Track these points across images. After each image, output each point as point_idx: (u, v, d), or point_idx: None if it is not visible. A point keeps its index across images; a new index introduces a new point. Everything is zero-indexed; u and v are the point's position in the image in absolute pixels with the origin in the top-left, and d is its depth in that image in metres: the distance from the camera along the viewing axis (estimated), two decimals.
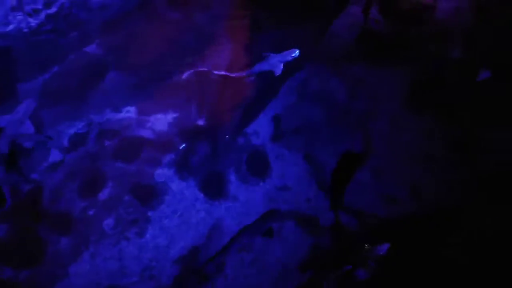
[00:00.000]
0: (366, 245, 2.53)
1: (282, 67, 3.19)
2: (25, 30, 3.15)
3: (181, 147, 3.21)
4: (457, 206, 2.75)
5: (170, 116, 3.45)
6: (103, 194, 3.07)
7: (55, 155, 3.19)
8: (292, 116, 3.40)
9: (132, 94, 3.63)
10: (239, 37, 3.85)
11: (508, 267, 2.42)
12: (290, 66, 3.41)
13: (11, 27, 3.08)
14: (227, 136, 3.28)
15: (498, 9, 3.71)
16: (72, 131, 3.33)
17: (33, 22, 3.17)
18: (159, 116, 3.46)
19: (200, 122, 3.37)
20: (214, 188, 2.99)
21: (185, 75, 3.38)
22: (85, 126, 3.36)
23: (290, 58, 3.26)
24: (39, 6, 3.16)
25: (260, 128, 3.37)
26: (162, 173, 3.10)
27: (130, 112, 3.53)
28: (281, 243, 2.82)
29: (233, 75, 3.26)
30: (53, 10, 3.25)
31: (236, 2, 4.65)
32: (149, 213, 2.94)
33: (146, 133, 3.36)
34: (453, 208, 2.74)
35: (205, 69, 3.32)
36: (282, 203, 3.01)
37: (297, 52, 3.27)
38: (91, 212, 3.00)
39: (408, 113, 3.25)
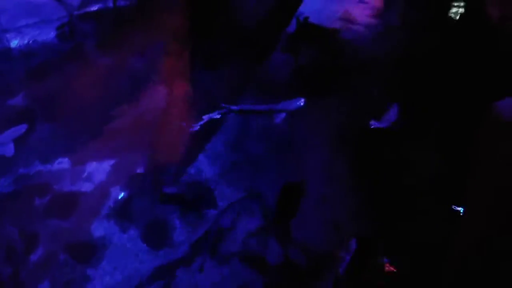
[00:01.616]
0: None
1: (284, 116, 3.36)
2: None
3: (120, 197, 3.08)
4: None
5: (107, 164, 3.32)
6: (35, 256, 2.82)
7: None
8: (233, 151, 3.42)
9: (65, 144, 3.46)
10: (175, 80, 3.88)
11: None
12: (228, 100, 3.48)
13: None
14: (168, 179, 3.21)
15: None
16: None
17: None
18: (95, 165, 3.31)
19: (139, 168, 3.28)
20: (158, 237, 2.88)
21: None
22: (11, 184, 3.12)
23: (294, 107, 3.37)
24: None
25: (203, 167, 3.34)
26: (100, 226, 2.93)
27: (63, 163, 3.34)
28: (229, 281, 2.74)
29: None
30: None
31: (170, 46, 4.72)
32: (88, 272, 2.73)
33: (81, 185, 3.19)
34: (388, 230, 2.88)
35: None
36: (230, 241, 2.96)
37: (302, 101, 3.42)
38: (22, 276, 2.74)
39: (345, 140, 3.43)
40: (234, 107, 3.51)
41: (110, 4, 5.52)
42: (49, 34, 4.57)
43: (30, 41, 4.42)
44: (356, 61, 4.22)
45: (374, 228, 2.88)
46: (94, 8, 5.38)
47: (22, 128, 3.40)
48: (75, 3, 5.14)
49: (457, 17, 5.76)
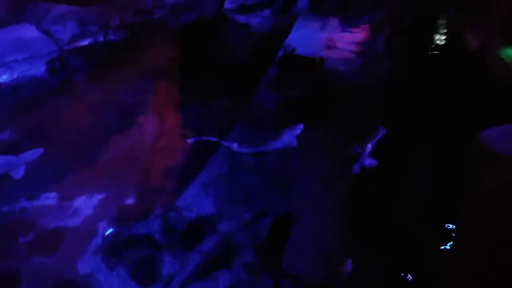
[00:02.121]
0: None
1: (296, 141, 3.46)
2: None
3: (107, 233, 3.00)
4: None
5: (95, 199, 3.26)
6: None
7: None
8: (224, 184, 3.39)
9: (53, 179, 3.40)
10: (164, 113, 3.90)
11: None
12: (216, 134, 3.48)
13: None
14: (156, 214, 3.15)
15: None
16: None
17: None
18: (83, 199, 3.25)
19: (128, 202, 3.22)
20: (147, 274, 2.79)
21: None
22: None
23: (298, 132, 3.58)
24: None
25: (193, 200, 3.30)
26: (87, 264, 2.83)
27: (49, 198, 3.27)
28: None
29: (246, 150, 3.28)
30: None
31: (160, 80, 4.77)
32: None
33: (68, 220, 3.11)
34: None
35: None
36: (221, 275, 2.88)
37: (302, 126, 3.62)
38: None
39: (337, 169, 3.43)
40: (230, 145, 3.52)
41: (101, 39, 5.61)
42: (39, 69, 4.60)
43: (20, 76, 4.43)
44: (344, 90, 4.30)
45: (368, 258, 2.84)
46: (85, 42, 5.45)
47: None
48: (66, 37, 5.22)
49: (440, 45, 5.96)
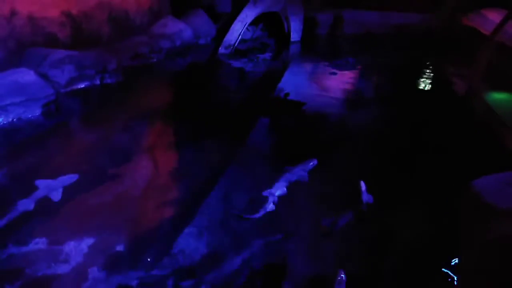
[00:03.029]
0: None
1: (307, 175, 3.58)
2: None
3: (98, 277, 2.90)
4: None
5: (85, 244, 3.17)
6: None
7: None
8: (218, 230, 3.35)
9: (42, 224, 3.32)
10: (158, 157, 3.91)
11: None
12: (212, 181, 3.48)
13: None
14: (149, 260, 3.07)
15: None
16: None
17: None
18: (73, 244, 3.17)
19: (120, 247, 3.15)
20: None
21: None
22: None
23: (310, 167, 3.68)
24: None
25: (187, 246, 3.24)
26: None
27: (39, 243, 3.18)
28: None
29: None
30: None
31: (154, 123, 4.83)
32: None
33: (57, 267, 3.01)
34: None
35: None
36: None
37: (315, 161, 3.72)
38: None
39: (328, 219, 3.41)
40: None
41: (97, 82, 5.73)
42: (34, 112, 4.64)
43: (15, 119, 4.46)
44: (334, 134, 4.37)
45: None
46: (81, 85, 5.56)
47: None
48: (63, 81, 5.32)
49: (426, 89, 6.18)
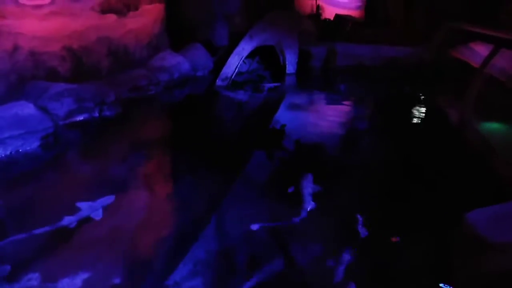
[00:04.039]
0: None
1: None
2: None
3: None
4: None
5: (80, 279, 3.12)
6: None
7: None
8: (215, 261, 3.32)
9: (36, 258, 3.28)
10: (155, 189, 3.92)
11: None
12: (208, 214, 3.48)
13: None
14: None
15: None
16: None
17: None
18: (67, 281, 3.11)
19: (115, 281, 3.10)
20: None
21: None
22: None
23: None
24: None
25: (182, 279, 3.19)
26: None
27: (32, 279, 3.12)
28: None
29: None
30: None
31: (152, 155, 4.87)
32: None
33: None
34: None
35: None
36: None
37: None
38: None
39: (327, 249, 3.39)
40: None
41: (96, 114, 5.80)
42: (32, 144, 4.67)
43: (13, 152, 4.48)
44: (328, 165, 4.41)
45: None
46: (80, 118, 5.63)
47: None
48: (62, 113, 5.39)
49: (419, 120, 6.29)
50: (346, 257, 3.17)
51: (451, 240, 2.17)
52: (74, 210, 3.60)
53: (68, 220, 3.49)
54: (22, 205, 3.69)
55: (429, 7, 10.05)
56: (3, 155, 4.42)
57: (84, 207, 3.62)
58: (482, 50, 6.89)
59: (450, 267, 2.11)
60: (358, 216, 3.48)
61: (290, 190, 3.92)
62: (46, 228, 3.41)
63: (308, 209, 3.66)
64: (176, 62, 7.86)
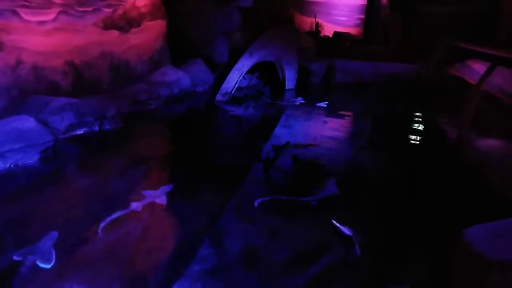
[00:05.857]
0: None
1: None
2: None
3: None
4: None
5: None
6: None
7: None
8: (214, 279, 3.28)
9: (35, 272, 3.24)
10: (153, 205, 3.91)
11: None
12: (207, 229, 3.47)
13: None
14: None
15: None
16: None
17: None
18: None
19: None
20: None
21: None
22: None
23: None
24: None
25: None
26: None
27: None
28: None
29: None
30: None
31: (151, 170, 4.87)
32: None
33: None
34: None
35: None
36: None
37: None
38: None
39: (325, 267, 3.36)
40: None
41: (96, 128, 5.83)
42: (32, 158, 4.68)
43: (12, 165, 4.49)
44: (327, 181, 4.40)
45: None
46: (80, 131, 5.66)
47: None
48: (62, 127, 5.41)
49: (417, 137, 6.33)
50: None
51: (449, 257, 2.16)
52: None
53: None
54: (21, 217, 3.68)
55: (426, 25, 10.23)
56: (2, 168, 4.43)
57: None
58: (479, 67, 6.98)
59: (450, 284, 2.09)
60: (354, 238, 3.46)
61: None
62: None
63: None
64: (176, 77, 7.94)
